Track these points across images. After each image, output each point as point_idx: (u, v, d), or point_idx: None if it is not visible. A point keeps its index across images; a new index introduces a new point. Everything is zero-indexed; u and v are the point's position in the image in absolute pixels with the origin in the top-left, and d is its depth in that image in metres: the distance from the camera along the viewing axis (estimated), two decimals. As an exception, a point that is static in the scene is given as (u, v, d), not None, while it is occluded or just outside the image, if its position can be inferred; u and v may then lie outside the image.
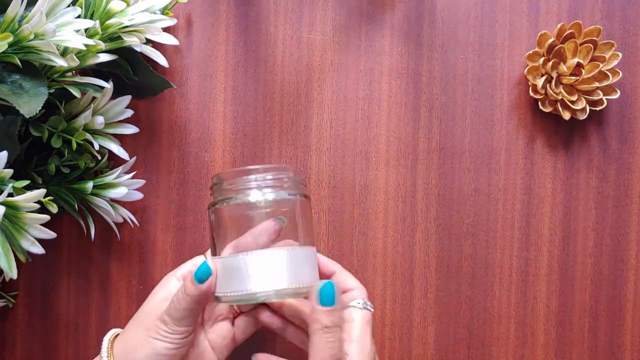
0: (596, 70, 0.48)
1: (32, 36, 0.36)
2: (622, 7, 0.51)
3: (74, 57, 0.39)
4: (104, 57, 0.41)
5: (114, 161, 0.49)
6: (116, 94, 0.45)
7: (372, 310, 0.40)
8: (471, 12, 0.51)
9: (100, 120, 0.43)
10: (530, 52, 0.49)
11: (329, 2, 0.50)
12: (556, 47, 0.49)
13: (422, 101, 0.51)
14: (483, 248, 0.51)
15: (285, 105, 0.50)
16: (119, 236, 0.50)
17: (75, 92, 0.41)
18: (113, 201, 0.46)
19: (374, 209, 0.51)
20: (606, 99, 0.49)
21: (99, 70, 0.45)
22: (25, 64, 0.37)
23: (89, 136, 0.43)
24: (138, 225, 0.50)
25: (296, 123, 0.50)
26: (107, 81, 0.43)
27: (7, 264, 0.36)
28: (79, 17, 0.39)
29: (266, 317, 0.44)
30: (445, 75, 0.51)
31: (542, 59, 0.49)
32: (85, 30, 0.40)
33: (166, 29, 0.45)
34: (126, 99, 0.45)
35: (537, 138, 0.51)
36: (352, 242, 0.50)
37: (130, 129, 0.46)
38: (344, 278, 0.41)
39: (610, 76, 0.48)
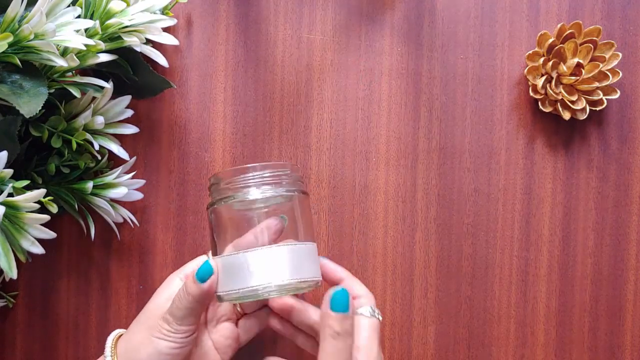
0: (596, 70, 0.48)
1: (32, 36, 0.36)
2: (622, 7, 0.51)
3: (74, 57, 0.39)
4: (104, 57, 0.41)
5: (114, 161, 0.49)
6: (116, 94, 0.45)
7: (380, 318, 0.40)
8: (471, 12, 0.51)
9: (100, 120, 0.43)
10: (530, 52, 0.49)
11: (329, 2, 0.50)
12: (556, 47, 0.49)
13: (422, 101, 0.51)
14: (483, 248, 0.51)
15: (285, 105, 0.50)
16: (119, 236, 0.50)
17: (75, 92, 0.41)
18: (113, 201, 0.46)
19: (374, 209, 0.51)
20: (606, 99, 0.49)
21: (99, 70, 0.45)
22: (25, 64, 0.37)
23: (89, 136, 0.43)
24: (138, 225, 0.50)
25: (296, 123, 0.50)
26: (107, 81, 0.43)
27: (7, 264, 0.36)
28: (79, 17, 0.39)
29: (275, 324, 0.44)
30: (445, 75, 0.51)
31: (542, 59, 0.49)
32: (85, 30, 0.40)
33: (166, 29, 0.45)
34: (126, 99, 0.45)
35: (537, 138, 0.51)
36: (352, 242, 0.50)
37: (130, 129, 0.46)
38: (352, 285, 0.40)
39: (610, 76, 0.48)
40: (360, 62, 0.50)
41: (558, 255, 0.51)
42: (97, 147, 0.44)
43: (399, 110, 0.51)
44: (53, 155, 0.45)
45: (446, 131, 0.51)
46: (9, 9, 0.36)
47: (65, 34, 0.38)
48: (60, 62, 0.37)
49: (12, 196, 0.36)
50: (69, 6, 0.39)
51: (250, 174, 0.38)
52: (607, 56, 0.49)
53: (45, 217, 0.37)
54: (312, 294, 0.50)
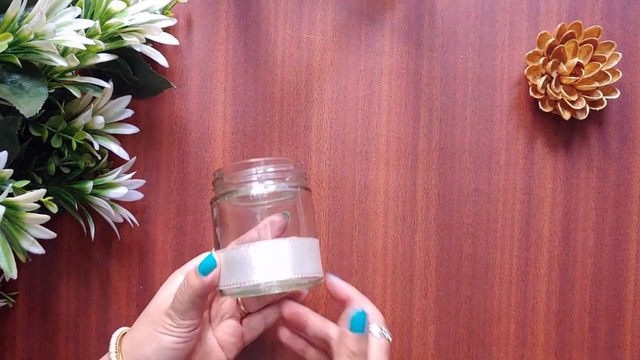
0: (596, 70, 0.48)
1: (32, 36, 0.36)
2: (622, 7, 0.51)
3: (74, 57, 0.39)
4: (104, 57, 0.41)
5: (114, 161, 0.49)
6: (116, 94, 0.45)
7: (390, 339, 0.40)
8: (471, 12, 0.51)
9: (100, 120, 0.43)
10: (530, 52, 0.49)
11: (329, 2, 0.50)
12: (556, 47, 0.49)
13: (422, 101, 0.51)
14: (483, 248, 0.51)
15: (285, 105, 0.50)
16: (119, 236, 0.50)
17: (75, 92, 0.41)
18: (113, 201, 0.46)
19: (374, 209, 0.51)
20: (606, 99, 0.49)
21: (99, 70, 0.45)
22: (25, 64, 0.37)
23: (89, 136, 0.43)
24: (138, 225, 0.50)
25: (296, 123, 0.50)
26: (107, 81, 0.43)
27: (7, 264, 0.36)
28: (79, 17, 0.39)
29: (287, 338, 0.43)
30: (445, 75, 0.51)
31: (542, 59, 0.49)
32: (85, 30, 0.40)
33: (166, 29, 0.45)
34: (126, 99, 0.45)
35: (537, 138, 0.51)
36: (352, 242, 0.50)
37: (130, 129, 0.46)
38: (363, 304, 0.40)
39: (610, 76, 0.48)
40: (360, 62, 0.50)
41: (558, 255, 0.51)
42: (97, 147, 0.44)
43: (399, 110, 0.51)
44: (53, 155, 0.45)
45: (446, 131, 0.51)
46: (9, 9, 0.36)
47: (65, 34, 0.38)
48: (60, 62, 0.37)
49: (12, 196, 0.36)
50: (69, 6, 0.39)
51: (254, 169, 0.38)
52: (607, 56, 0.49)
53: (45, 217, 0.37)
54: (312, 294, 0.50)
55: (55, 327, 0.50)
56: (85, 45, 0.38)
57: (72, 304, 0.50)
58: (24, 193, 0.36)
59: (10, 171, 0.37)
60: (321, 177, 0.50)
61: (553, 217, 0.51)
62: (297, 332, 0.43)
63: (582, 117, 0.49)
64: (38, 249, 0.38)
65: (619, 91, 0.49)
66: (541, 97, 0.49)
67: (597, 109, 0.49)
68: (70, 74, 0.43)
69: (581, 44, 0.49)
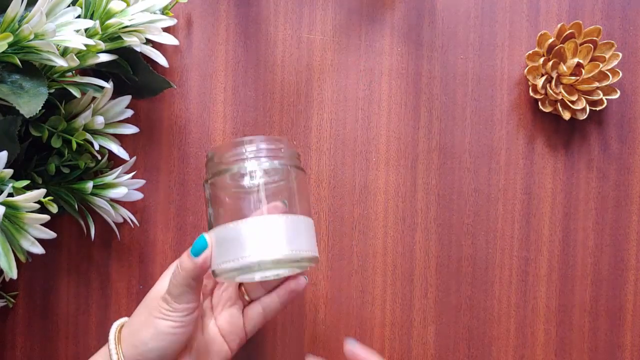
0: (596, 70, 0.48)
1: (32, 36, 0.36)
2: (622, 7, 0.51)
3: (74, 57, 0.39)
4: (104, 57, 0.41)
5: (114, 161, 0.49)
6: (116, 94, 0.45)
7: None
8: (471, 12, 0.51)
9: (100, 120, 0.43)
10: (530, 52, 0.49)
11: (329, 2, 0.50)
12: (556, 47, 0.49)
13: (422, 101, 0.51)
14: (483, 248, 0.51)
15: (285, 105, 0.50)
16: (119, 236, 0.50)
17: (75, 92, 0.41)
18: (113, 201, 0.46)
19: (374, 209, 0.51)
20: (606, 99, 0.49)
21: (99, 70, 0.45)
22: (25, 64, 0.37)
23: (89, 136, 0.43)
24: (138, 225, 0.50)
25: (296, 123, 0.50)
26: (107, 81, 0.43)
27: (7, 264, 0.36)
28: (79, 17, 0.39)
29: None
30: (445, 75, 0.51)
31: (542, 59, 0.49)
32: (85, 30, 0.40)
33: (166, 29, 0.45)
34: (126, 99, 0.45)
35: (537, 138, 0.51)
36: (352, 242, 0.50)
37: (130, 129, 0.46)
38: None
39: (610, 76, 0.48)
40: (360, 62, 0.50)
41: (558, 255, 0.51)
42: (97, 147, 0.44)
43: (399, 110, 0.51)
44: (53, 155, 0.45)
45: (446, 131, 0.51)
46: (9, 9, 0.36)
47: (65, 34, 0.38)
48: (60, 62, 0.37)
49: (12, 196, 0.36)
50: (69, 6, 0.39)
51: (246, 147, 0.37)
52: (607, 56, 0.49)
53: (45, 217, 0.37)
54: (312, 293, 0.50)
55: (55, 327, 0.50)
56: (85, 45, 0.38)
57: (72, 304, 0.50)
58: (24, 193, 0.36)
59: (10, 171, 0.37)
60: (321, 177, 0.50)
61: (553, 217, 0.51)
62: None
63: (582, 117, 0.49)
64: (38, 249, 0.38)
65: (619, 91, 0.49)
66: (541, 97, 0.49)
67: (597, 109, 0.49)
68: (70, 74, 0.43)
69: (581, 44, 0.49)
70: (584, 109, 0.49)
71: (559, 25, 0.48)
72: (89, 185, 0.44)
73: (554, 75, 0.49)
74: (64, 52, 0.40)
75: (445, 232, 0.51)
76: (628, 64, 0.51)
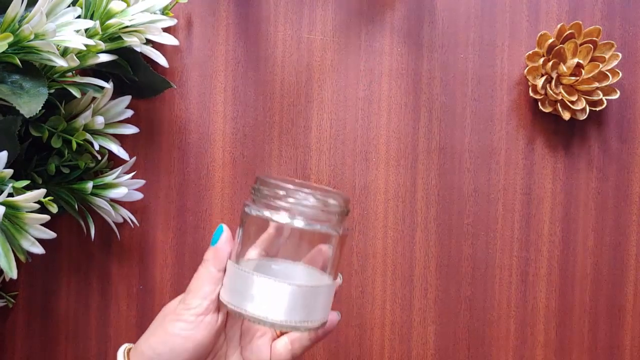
0: (596, 71, 0.48)
1: (32, 36, 0.36)
2: (622, 7, 0.51)
3: (74, 57, 0.39)
4: (104, 57, 0.41)
5: (114, 161, 0.49)
6: (116, 94, 0.45)
7: None
8: (471, 12, 0.51)
9: (100, 120, 0.43)
10: (530, 52, 0.49)
11: (329, 2, 0.50)
12: (556, 48, 0.49)
13: (422, 101, 0.51)
14: (483, 248, 0.51)
15: (285, 106, 0.50)
16: (119, 236, 0.50)
17: (75, 92, 0.41)
18: (113, 201, 0.46)
19: (373, 209, 0.51)
20: (606, 99, 0.49)
21: (99, 71, 0.45)
22: (26, 64, 0.37)
23: (89, 136, 0.43)
24: (138, 225, 0.50)
25: (296, 123, 0.50)
26: (107, 81, 0.43)
27: (7, 264, 0.36)
28: (79, 17, 0.39)
29: None
30: (445, 75, 0.51)
31: (542, 59, 0.49)
32: (86, 30, 0.40)
33: (166, 29, 0.45)
34: (126, 99, 0.45)
35: (537, 138, 0.51)
36: (352, 242, 0.50)
37: (130, 129, 0.46)
38: None
39: (610, 76, 0.48)
40: (360, 62, 0.50)
41: (558, 255, 0.51)
42: (97, 147, 0.44)
43: (399, 110, 0.51)
44: (53, 155, 0.45)
45: (446, 131, 0.51)
46: (9, 9, 0.36)
47: (65, 34, 0.38)
48: (61, 62, 0.37)
49: (12, 196, 0.36)
50: (69, 6, 0.38)
51: (295, 198, 0.35)
52: (607, 56, 0.49)
53: (45, 217, 0.37)
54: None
55: (55, 327, 0.50)
56: (85, 46, 0.38)
57: (72, 304, 0.50)
58: (24, 193, 0.36)
59: (10, 171, 0.37)
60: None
61: (553, 217, 0.51)
62: None
63: (582, 117, 0.49)
64: (38, 249, 0.38)
65: (618, 91, 0.49)
66: (541, 97, 0.49)
67: (597, 109, 0.49)
68: (70, 74, 0.43)
69: (581, 44, 0.49)
70: (583, 109, 0.49)
71: (558, 26, 0.48)
72: (89, 185, 0.44)
73: (554, 75, 0.49)
74: (64, 52, 0.40)
75: (445, 232, 0.51)
76: (628, 64, 0.51)
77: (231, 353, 0.39)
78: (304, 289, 0.35)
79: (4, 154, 0.36)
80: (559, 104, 0.49)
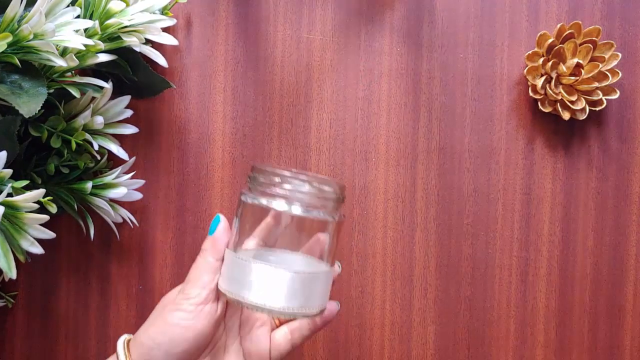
0: (596, 71, 0.48)
1: (31, 36, 0.36)
2: (621, 7, 0.51)
3: (74, 57, 0.39)
4: (104, 57, 0.41)
5: (114, 161, 0.49)
6: (116, 94, 0.45)
7: None
8: (471, 12, 0.51)
9: (99, 120, 0.43)
10: (530, 52, 0.49)
11: (328, 2, 0.50)
12: (556, 48, 0.48)
13: (421, 101, 0.51)
14: (483, 248, 0.51)
15: (284, 105, 0.50)
16: (118, 236, 0.50)
17: (75, 92, 0.41)
18: (112, 201, 0.46)
19: (373, 209, 0.50)
20: (606, 99, 0.49)
21: (99, 70, 0.45)
22: (25, 64, 0.37)
23: (88, 136, 0.43)
24: (137, 225, 0.50)
25: (296, 123, 0.50)
26: (106, 81, 0.43)
27: (7, 264, 0.36)
28: (78, 17, 0.39)
29: None
30: (445, 75, 0.51)
31: (541, 59, 0.48)
32: (85, 30, 0.40)
33: (166, 29, 0.45)
34: (126, 99, 0.45)
35: (537, 138, 0.51)
36: (352, 242, 0.50)
37: (130, 129, 0.46)
38: None
39: (610, 76, 0.48)
40: (360, 62, 0.50)
41: (558, 255, 0.51)
42: (96, 147, 0.44)
43: (398, 110, 0.51)
44: (52, 155, 0.45)
45: (446, 131, 0.51)
46: (9, 9, 0.35)
47: (64, 34, 0.38)
48: (60, 62, 0.37)
49: (12, 196, 0.36)
50: (68, 6, 0.38)
51: (292, 184, 0.35)
52: (606, 56, 0.49)
53: (45, 217, 0.37)
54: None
55: (55, 327, 0.50)
56: (85, 45, 0.38)
57: (72, 304, 0.50)
58: (23, 193, 0.36)
59: (9, 171, 0.37)
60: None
61: (553, 217, 0.51)
62: None
63: (582, 117, 0.49)
64: (37, 249, 0.38)
65: (618, 91, 0.49)
66: (541, 97, 0.49)
67: (597, 109, 0.49)
68: (69, 74, 0.43)
69: (581, 44, 0.49)
70: (583, 109, 0.49)
71: (558, 26, 0.48)
72: (89, 185, 0.44)
73: (554, 75, 0.49)
74: (64, 52, 0.40)
75: (444, 232, 0.51)
76: (627, 64, 0.51)
77: (230, 343, 0.39)
78: (302, 276, 0.35)
79: (4, 153, 0.36)
80: (558, 104, 0.49)
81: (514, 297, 0.51)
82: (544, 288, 0.51)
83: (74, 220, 0.48)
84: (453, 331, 0.51)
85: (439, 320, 0.51)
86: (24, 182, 0.38)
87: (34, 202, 0.36)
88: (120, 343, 0.36)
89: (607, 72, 0.48)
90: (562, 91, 0.49)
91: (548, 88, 0.48)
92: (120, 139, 0.46)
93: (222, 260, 0.37)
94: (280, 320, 0.41)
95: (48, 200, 0.38)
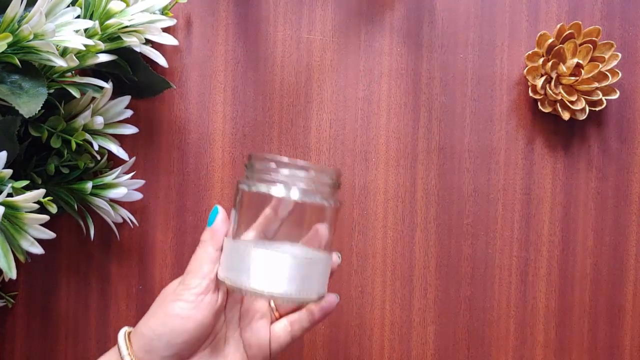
0: (595, 71, 0.48)
1: (31, 36, 0.36)
2: (621, 7, 0.51)
3: (74, 57, 0.39)
4: (104, 57, 0.41)
5: (114, 161, 0.49)
6: (116, 94, 0.45)
7: None
8: (471, 12, 0.51)
9: (99, 120, 0.43)
10: (530, 52, 0.49)
11: (328, 3, 0.50)
12: (556, 48, 0.49)
13: (421, 101, 0.51)
14: (483, 248, 0.51)
15: (284, 106, 0.50)
16: (118, 236, 0.50)
17: (75, 92, 0.41)
18: (112, 201, 0.46)
19: (373, 209, 0.51)
20: (605, 99, 0.49)
21: (99, 71, 0.45)
22: (25, 64, 0.37)
23: (88, 136, 0.43)
24: (137, 225, 0.50)
25: (296, 123, 0.50)
26: (106, 81, 0.43)
27: (7, 264, 0.36)
28: (78, 17, 0.39)
29: None
30: (445, 75, 0.51)
31: (541, 59, 0.49)
32: (85, 30, 0.40)
33: (166, 29, 0.45)
34: (126, 99, 0.45)
35: (537, 138, 0.51)
36: (352, 242, 0.50)
37: (130, 129, 0.46)
38: None
39: (610, 76, 0.48)
40: (360, 62, 0.50)
41: (558, 255, 0.51)
42: (96, 147, 0.44)
43: (398, 111, 0.51)
44: (52, 155, 0.45)
45: (446, 131, 0.51)
46: (9, 9, 0.36)
47: (64, 34, 0.38)
48: (60, 62, 0.37)
49: (12, 196, 0.36)
50: (68, 6, 0.39)
51: (290, 171, 0.36)
52: (606, 56, 0.49)
53: (45, 217, 0.37)
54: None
55: (55, 327, 0.50)
56: (85, 46, 0.38)
57: (72, 304, 0.50)
58: (23, 193, 0.36)
59: (9, 171, 0.37)
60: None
61: (553, 217, 0.51)
62: None
63: (582, 117, 0.49)
64: (37, 249, 0.38)
65: (618, 91, 0.49)
66: (541, 97, 0.49)
67: (597, 109, 0.49)
68: (69, 74, 0.43)
69: (581, 45, 0.49)
70: (583, 109, 0.49)
71: (558, 26, 0.48)
72: (89, 185, 0.44)
73: (554, 75, 0.49)
74: (64, 52, 0.40)
75: (444, 232, 0.51)
76: (627, 64, 0.51)
77: (230, 334, 0.39)
78: (299, 260, 0.35)
79: (4, 154, 0.36)
80: (558, 104, 0.49)
81: (513, 297, 0.51)
82: (544, 288, 0.51)
83: (74, 220, 0.48)
84: (453, 331, 0.51)
85: (439, 320, 0.51)
86: (24, 182, 0.38)
87: (34, 202, 0.36)
88: (121, 335, 0.37)
89: (607, 72, 0.48)
90: (562, 91, 0.49)
91: (548, 88, 0.49)
92: (120, 139, 0.46)
93: (222, 250, 0.37)
94: (280, 312, 0.41)
95: (48, 200, 0.38)
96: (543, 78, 0.49)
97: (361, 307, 0.51)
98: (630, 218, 0.51)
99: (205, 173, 0.50)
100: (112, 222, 0.47)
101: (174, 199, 0.50)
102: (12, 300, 0.50)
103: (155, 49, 0.44)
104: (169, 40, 0.45)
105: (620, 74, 0.49)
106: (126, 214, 0.47)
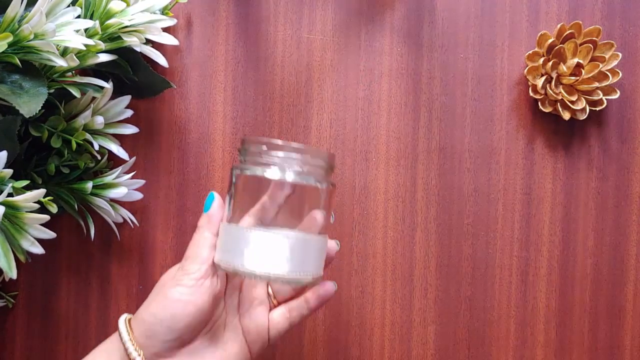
0: (596, 71, 0.48)
1: (32, 36, 0.36)
2: (622, 7, 0.51)
3: (74, 57, 0.39)
4: (104, 57, 0.41)
5: (114, 161, 0.49)
6: (116, 94, 0.45)
7: None
8: (471, 12, 0.51)
9: (100, 120, 0.43)
10: (530, 52, 0.49)
11: (328, 2, 0.50)
12: (556, 47, 0.49)
13: (422, 101, 0.51)
14: (483, 248, 0.51)
15: (285, 106, 0.50)
16: (118, 236, 0.50)
17: (75, 92, 0.41)
18: (113, 201, 0.46)
19: (373, 209, 0.51)
20: (606, 99, 0.49)
21: (99, 70, 0.45)
22: (25, 64, 0.37)
23: (88, 136, 0.43)
24: (138, 225, 0.50)
25: (296, 123, 0.50)
26: (107, 81, 0.43)
27: (7, 264, 0.36)
28: (78, 17, 0.39)
29: None
30: (445, 75, 0.51)
31: (542, 59, 0.49)
32: (85, 30, 0.40)
33: (166, 29, 0.45)
34: (126, 99, 0.45)
35: (537, 138, 0.51)
36: (352, 242, 0.50)
37: (130, 129, 0.46)
38: None
39: (610, 76, 0.48)
40: (360, 62, 0.50)
41: (558, 255, 0.51)
42: (96, 147, 0.44)
43: (398, 110, 0.51)
44: (53, 155, 0.45)
45: (446, 131, 0.51)
46: (9, 9, 0.36)
47: (65, 34, 0.38)
48: (60, 62, 0.37)
49: (12, 196, 0.36)
50: (68, 6, 0.39)
51: (284, 153, 0.36)
52: (606, 56, 0.49)
53: (45, 217, 0.37)
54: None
55: (55, 327, 0.50)
56: (85, 45, 0.38)
57: (72, 304, 0.50)
58: (23, 193, 0.36)
59: (10, 171, 0.37)
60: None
61: (553, 217, 0.51)
62: None
63: (582, 117, 0.49)
64: (38, 249, 0.38)
65: (618, 91, 0.49)
66: (541, 97, 0.49)
67: (597, 109, 0.49)
68: (70, 74, 0.43)
69: (581, 44, 0.49)
70: (583, 109, 0.49)
71: (558, 26, 0.48)
72: (89, 185, 0.44)
73: (554, 75, 0.49)
74: (64, 52, 0.40)
75: (445, 232, 0.51)
76: (628, 64, 0.51)
77: (230, 320, 0.40)
78: (293, 241, 0.35)
79: (4, 153, 0.36)
80: (559, 104, 0.49)
81: (514, 297, 0.51)
82: (544, 288, 0.51)
83: (75, 220, 0.48)
84: (453, 331, 0.51)
85: (439, 320, 0.51)
86: (25, 182, 0.38)
87: (35, 202, 0.36)
88: (122, 321, 0.37)
89: (607, 72, 0.48)
90: (563, 91, 0.49)
91: (548, 88, 0.49)
92: (121, 139, 0.46)
93: (216, 237, 0.37)
94: (278, 299, 0.41)
95: (48, 200, 0.38)
96: (543, 78, 0.49)
97: (361, 307, 0.51)
98: (630, 218, 0.51)
99: (206, 173, 0.50)
100: (113, 222, 0.47)
101: (174, 199, 0.50)
102: (12, 300, 0.50)
103: (156, 49, 0.44)
104: (169, 40, 0.45)
105: (620, 74, 0.49)
106: (126, 213, 0.47)
